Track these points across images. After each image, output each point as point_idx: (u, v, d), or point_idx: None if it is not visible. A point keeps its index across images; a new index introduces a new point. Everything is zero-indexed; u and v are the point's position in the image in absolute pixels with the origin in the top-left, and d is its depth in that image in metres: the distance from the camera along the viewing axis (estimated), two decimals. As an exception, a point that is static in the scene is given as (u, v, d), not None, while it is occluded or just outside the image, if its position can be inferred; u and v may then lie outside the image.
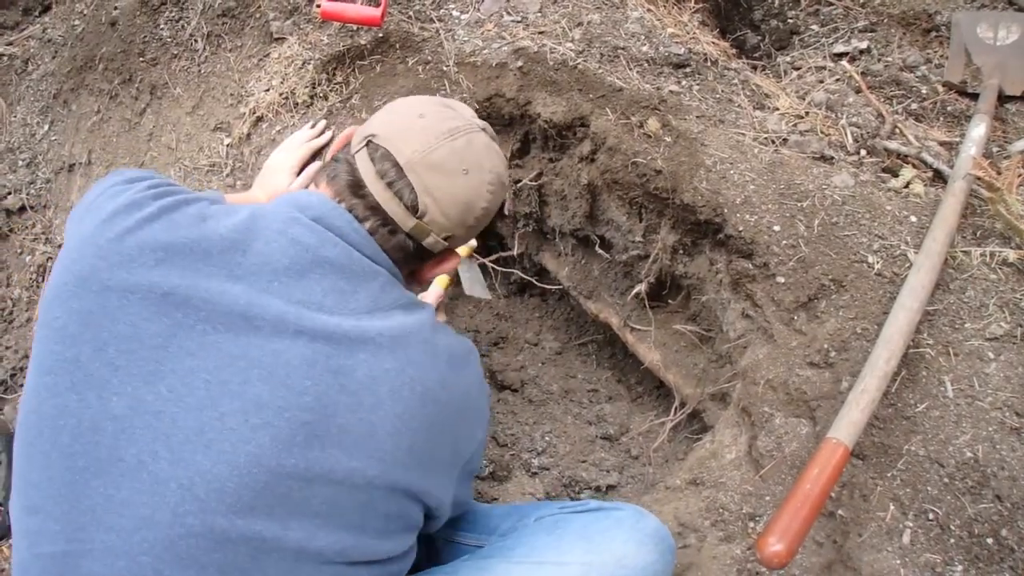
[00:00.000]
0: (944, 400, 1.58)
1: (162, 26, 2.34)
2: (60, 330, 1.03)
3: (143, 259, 1.04)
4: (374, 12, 2.06)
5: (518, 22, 2.15)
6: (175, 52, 2.33)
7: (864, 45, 2.45)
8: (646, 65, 2.09)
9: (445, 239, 1.26)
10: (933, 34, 2.47)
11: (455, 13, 2.20)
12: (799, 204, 1.83)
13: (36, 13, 2.62)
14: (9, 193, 2.34)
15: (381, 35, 2.16)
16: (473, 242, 1.97)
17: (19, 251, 2.45)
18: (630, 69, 2.07)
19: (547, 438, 2.17)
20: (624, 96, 1.98)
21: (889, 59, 2.40)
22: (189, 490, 0.96)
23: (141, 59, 2.33)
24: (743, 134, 2.01)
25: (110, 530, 0.96)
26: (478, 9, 2.19)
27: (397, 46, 2.15)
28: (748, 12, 2.73)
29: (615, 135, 1.95)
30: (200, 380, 1.00)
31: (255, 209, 1.16)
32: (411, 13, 2.22)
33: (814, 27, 2.60)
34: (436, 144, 1.20)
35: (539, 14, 2.17)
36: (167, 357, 1.00)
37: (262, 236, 1.10)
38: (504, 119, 2.08)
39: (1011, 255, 1.75)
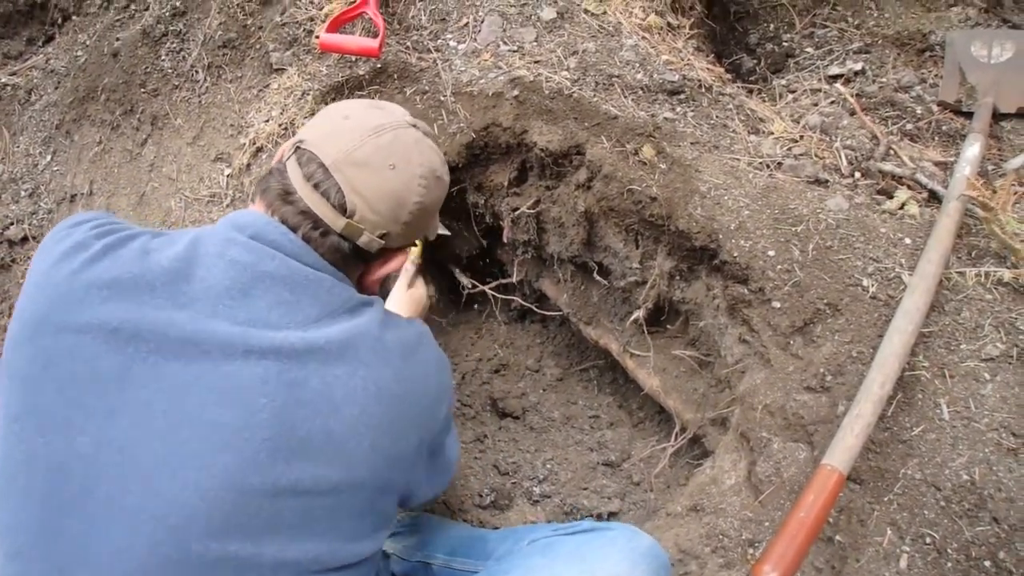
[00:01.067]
0: (940, 423, 1.62)
1: (163, 57, 2.40)
2: (22, 376, 1.08)
3: (91, 298, 1.09)
4: (372, 43, 2.12)
5: (514, 51, 2.21)
6: (176, 83, 2.39)
7: (859, 66, 2.50)
8: (640, 92, 2.14)
9: (381, 237, 1.27)
10: (927, 54, 2.53)
11: (452, 43, 2.26)
12: (793, 228, 1.88)
13: (40, 43, 2.69)
14: (11, 224, 2.40)
15: (379, 66, 2.22)
16: None
17: (21, 281, 2.50)
18: (625, 97, 2.12)
19: (548, 465, 2.20)
20: (619, 124, 2.04)
21: (884, 80, 2.45)
22: (162, 520, 1.01)
23: (143, 90, 2.40)
24: (738, 159, 2.06)
25: (88, 566, 1.00)
26: (475, 39, 2.25)
27: (395, 76, 2.21)
28: (744, 36, 2.79)
29: (611, 163, 2.00)
30: (158, 411, 1.04)
31: (195, 236, 1.20)
32: (409, 43, 2.28)
33: (809, 50, 2.66)
34: (361, 142, 1.23)
35: (535, 43, 2.23)
36: (125, 391, 1.05)
37: (203, 262, 1.14)
38: (501, 148, 2.13)
39: (1006, 275, 1.78)
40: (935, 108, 2.36)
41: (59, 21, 2.63)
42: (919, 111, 2.35)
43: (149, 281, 1.11)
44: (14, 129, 2.53)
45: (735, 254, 1.86)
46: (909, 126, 2.32)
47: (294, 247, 1.20)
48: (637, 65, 2.19)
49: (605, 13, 2.31)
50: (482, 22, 2.27)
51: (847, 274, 1.81)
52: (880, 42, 2.59)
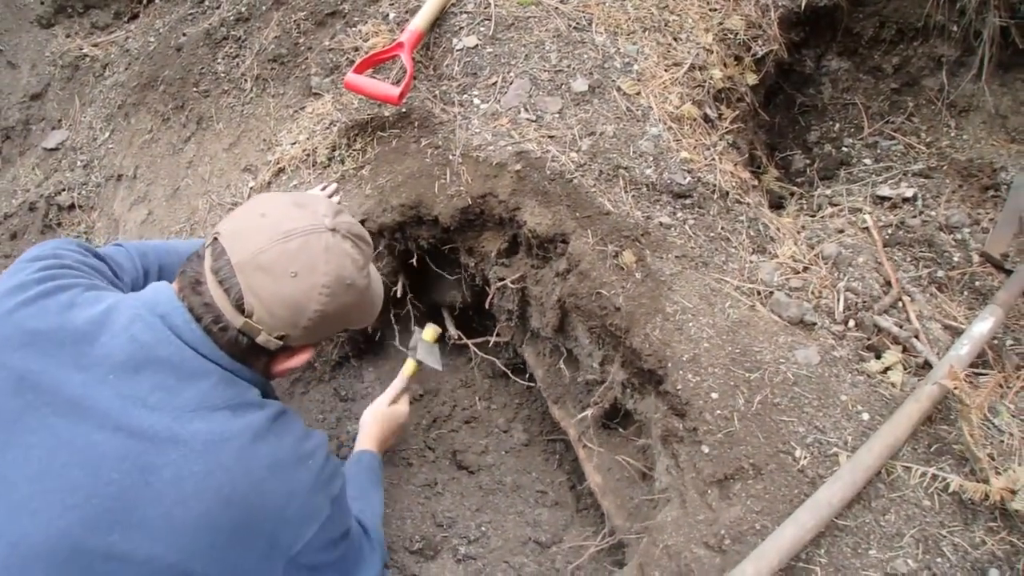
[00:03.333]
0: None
1: (219, 60, 2.56)
2: None
3: (12, 341, 1.25)
4: (393, 91, 2.18)
5: (532, 121, 2.21)
6: (226, 88, 2.54)
7: (910, 193, 2.34)
8: (644, 190, 2.10)
9: (279, 337, 1.35)
10: (990, 193, 2.33)
11: (476, 101, 2.28)
12: (747, 375, 1.83)
13: (125, 19, 2.91)
14: (63, 190, 2.65)
15: (404, 111, 2.28)
16: (434, 330, 2.24)
17: (71, 238, 2.76)
18: (626, 192, 2.09)
19: (483, 528, 2.27)
20: (609, 221, 2.02)
21: (931, 214, 2.29)
22: (15, 547, 1.17)
23: (195, 89, 2.56)
24: (724, 281, 2.00)
25: None
26: (499, 101, 2.26)
27: (416, 124, 2.27)
28: (804, 131, 2.65)
29: (589, 260, 1.99)
30: (35, 456, 1.20)
31: (115, 302, 1.33)
32: (437, 92, 2.32)
33: (867, 161, 2.50)
34: (267, 246, 1.30)
35: (556, 115, 2.22)
36: (17, 431, 1.21)
37: (109, 330, 1.28)
38: (495, 219, 2.16)
39: (954, 483, 1.67)
40: (975, 258, 2.19)
41: (144, 0, 2.82)
42: (956, 258, 2.20)
43: (61, 338, 1.26)
44: (84, 100, 2.76)
45: (679, 387, 1.83)
46: (940, 273, 2.17)
47: (192, 336, 1.31)
48: (651, 159, 2.15)
49: (638, 95, 2.27)
50: (511, 84, 2.28)
51: (783, 438, 1.75)
52: (945, 167, 2.40)
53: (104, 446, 1.20)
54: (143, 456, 1.21)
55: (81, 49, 2.74)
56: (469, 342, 2.40)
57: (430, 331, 2.24)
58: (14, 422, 1.21)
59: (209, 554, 1.24)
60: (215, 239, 1.35)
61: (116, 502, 1.19)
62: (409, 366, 2.20)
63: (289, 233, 1.32)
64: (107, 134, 2.69)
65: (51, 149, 2.68)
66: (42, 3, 2.83)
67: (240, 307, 1.31)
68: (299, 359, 1.46)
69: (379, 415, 2.06)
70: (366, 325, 1.65)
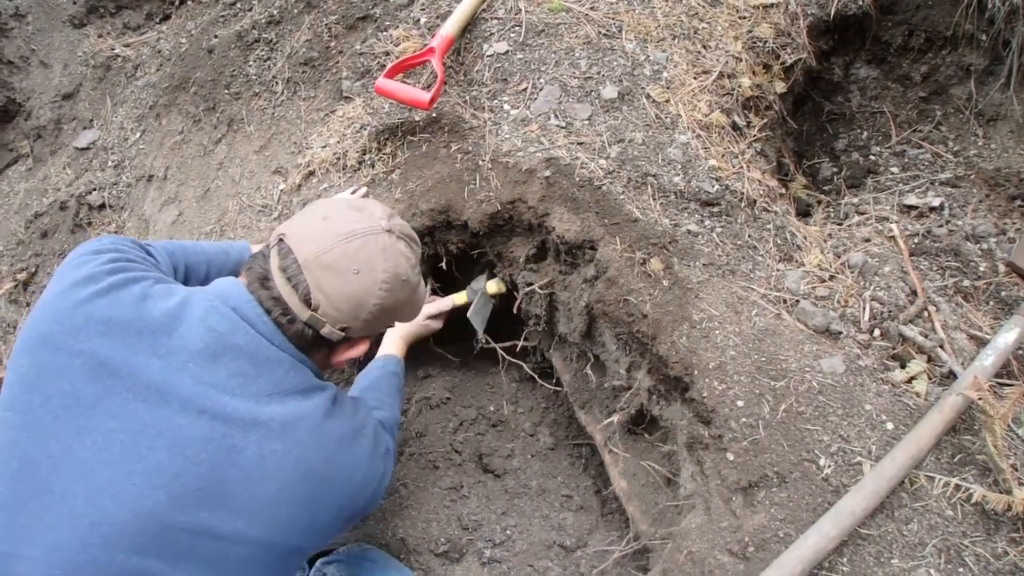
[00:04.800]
0: (836, 637, 1.63)
1: (251, 63, 2.64)
2: (22, 376, 1.37)
3: (88, 329, 1.35)
4: (423, 96, 2.26)
5: (562, 127, 2.28)
6: (257, 91, 2.63)
7: (937, 202, 2.40)
8: (672, 197, 2.17)
9: (342, 329, 1.50)
10: (1017, 203, 2.39)
11: (507, 107, 2.35)
12: (772, 383, 1.89)
13: (157, 20, 3.01)
14: (94, 189, 2.74)
15: (434, 115, 2.35)
16: (500, 286, 2.44)
17: (100, 237, 2.86)
18: (654, 199, 2.16)
19: (508, 531, 2.34)
20: (637, 228, 2.09)
21: (958, 223, 2.34)
22: (96, 527, 1.27)
23: (226, 91, 2.65)
24: (751, 289, 2.07)
25: (36, 546, 1.27)
26: (529, 107, 2.34)
27: (446, 129, 2.35)
28: (832, 139, 2.71)
29: (616, 267, 2.06)
30: (117, 440, 1.31)
31: (187, 296, 1.45)
32: (468, 98, 2.40)
33: (894, 169, 2.56)
34: (331, 246, 1.45)
35: (586, 122, 2.29)
36: (95, 415, 1.31)
37: (186, 322, 1.40)
38: (524, 224, 2.23)
39: (977, 493, 1.73)
40: (1002, 268, 2.24)
41: (176, 2, 2.91)
42: (983, 268, 2.25)
43: (138, 328, 1.37)
44: (116, 100, 2.86)
45: (705, 394, 1.90)
46: (966, 283, 2.23)
47: (265, 327, 1.45)
48: (679, 167, 2.22)
49: (668, 102, 2.33)
50: (540, 90, 2.35)
51: (807, 447, 1.81)
52: (972, 176, 2.46)
53: (189, 429, 1.33)
54: (227, 437, 1.35)
55: (113, 49, 2.84)
56: (497, 346, 2.47)
57: (493, 285, 2.41)
58: (92, 407, 1.31)
59: (287, 525, 1.41)
60: (280, 240, 1.50)
61: (205, 481, 1.32)
62: (460, 298, 2.40)
63: (350, 234, 1.48)
64: (138, 134, 2.78)
65: (82, 149, 2.78)
66: (74, 3, 2.93)
67: (307, 301, 1.46)
68: (358, 349, 1.63)
69: (414, 320, 2.21)
70: (413, 319, 1.80)
